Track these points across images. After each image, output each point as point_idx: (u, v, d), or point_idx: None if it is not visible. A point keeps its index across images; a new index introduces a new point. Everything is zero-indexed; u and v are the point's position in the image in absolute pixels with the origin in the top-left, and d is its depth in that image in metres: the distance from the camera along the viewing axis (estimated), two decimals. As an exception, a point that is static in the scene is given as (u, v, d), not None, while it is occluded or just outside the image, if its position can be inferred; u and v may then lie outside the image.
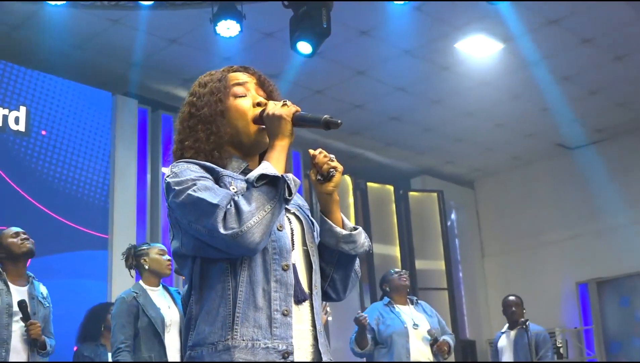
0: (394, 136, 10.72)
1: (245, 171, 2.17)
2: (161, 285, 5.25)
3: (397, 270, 6.62)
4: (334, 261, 2.24)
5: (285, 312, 2.02)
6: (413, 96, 9.52)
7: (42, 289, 5.37)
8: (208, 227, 1.95)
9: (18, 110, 7.73)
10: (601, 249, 10.92)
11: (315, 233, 2.28)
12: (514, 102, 9.79)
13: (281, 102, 2.16)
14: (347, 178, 10.79)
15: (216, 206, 1.94)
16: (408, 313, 6.22)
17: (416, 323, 6.09)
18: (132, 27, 7.79)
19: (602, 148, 11.15)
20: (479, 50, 8.55)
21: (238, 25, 7.11)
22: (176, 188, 2.03)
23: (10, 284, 5.12)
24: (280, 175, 2.02)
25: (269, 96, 2.27)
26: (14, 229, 5.32)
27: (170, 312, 5.05)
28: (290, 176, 2.05)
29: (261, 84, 2.29)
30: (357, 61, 8.66)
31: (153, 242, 6.25)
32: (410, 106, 9.80)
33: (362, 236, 2.24)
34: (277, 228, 2.09)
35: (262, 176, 2.00)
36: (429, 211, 11.50)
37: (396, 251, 11.14)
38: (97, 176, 8.25)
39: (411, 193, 11.69)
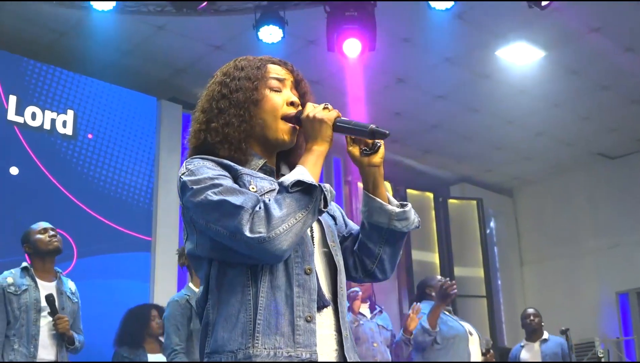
0: (433, 143, 10.70)
1: (264, 168, 2.07)
2: None
3: (446, 278, 6.24)
4: (383, 240, 2.14)
5: (309, 318, 1.90)
6: (453, 104, 9.50)
7: (71, 284, 5.28)
8: (231, 229, 1.83)
9: (65, 113, 7.85)
10: (641, 259, 10.80)
11: (339, 227, 2.19)
12: (554, 110, 9.71)
13: (322, 105, 2.04)
14: (387, 184, 10.62)
15: (240, 207, 1.83)
16: (457, 319, 6.13)
17: (470, 331, 6.01)
18: (176, 33, 7.90)
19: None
20: (520, 58, 8.50)
21: (280, 30, 7.19)
22: (194, 186, 1.91)
23: (38, 280, 5.05)
24: (317, 184, 1.90)
25: (302, 98, 2.16)
26: (43, 224, 5.20)
27: None
28: (327, 186, 1.93)
29: (297, 84, 2.18)
30: (397, 68, 8.66)
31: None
32: (450, 114, 9.78)
33: (412, 212, 2.14)
34: None
35: (298, 183, 1.87)
36: (468, 219, 11.48)
37: (435, 258, 11.13)
38: (141, 179, 8.32)
39: (450, 201, 11.67)
